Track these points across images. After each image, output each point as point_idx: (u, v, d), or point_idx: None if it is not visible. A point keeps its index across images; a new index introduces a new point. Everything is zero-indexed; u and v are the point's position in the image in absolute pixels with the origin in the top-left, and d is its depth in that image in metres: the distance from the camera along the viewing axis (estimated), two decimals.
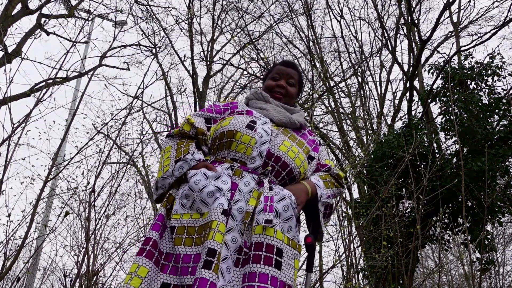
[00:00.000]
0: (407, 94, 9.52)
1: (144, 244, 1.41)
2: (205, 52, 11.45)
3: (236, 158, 1.58)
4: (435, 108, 12.77)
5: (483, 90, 7.83)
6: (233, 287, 1.33)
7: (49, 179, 3.59)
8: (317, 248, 5.11)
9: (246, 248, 1.39)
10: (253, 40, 11.35)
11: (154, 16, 11.23)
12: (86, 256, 3.73)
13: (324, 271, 4.94)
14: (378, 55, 12.85)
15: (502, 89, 7.78)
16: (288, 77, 1.87)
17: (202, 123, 1.71)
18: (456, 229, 6.99)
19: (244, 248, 1.39)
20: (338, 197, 6.45)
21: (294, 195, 1.54)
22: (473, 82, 7.91)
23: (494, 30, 9.86)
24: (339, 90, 12.70)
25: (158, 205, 1.67)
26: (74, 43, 4.14)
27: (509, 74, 8.04)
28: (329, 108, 12.00)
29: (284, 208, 1.46)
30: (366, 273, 6.22)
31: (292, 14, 11.59)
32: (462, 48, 9.55)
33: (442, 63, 8.69)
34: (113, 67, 9.40)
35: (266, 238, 1.39)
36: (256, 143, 1.58)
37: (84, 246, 3.81)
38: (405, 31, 11.17)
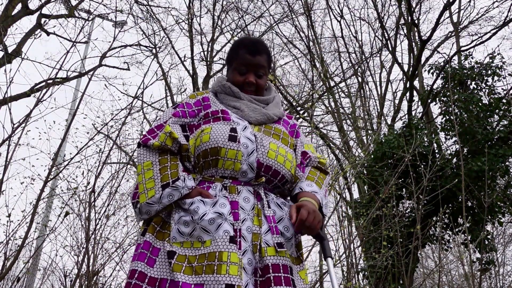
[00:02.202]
0: (407, 94, 9.53)
1: (130, 278, 1.35)
2: (205, 52, 11.47)
3: (225, 176, 1.49)
4: (435, 108, 12.75)
5: (483, 90, 7.84)
6: None
7: (49, 179, 3.59)
8: (317, 248, 5.10)
9: (260, 271, 1.37)
10: None
11: (154, 16, 11.24)
12: (86, 256, 3.72)
13: (324, 271, 4.94)
14: (378, 55, 12.88)
15: (502, 89, 7.80)
16: (256, 69, 1.67)
17: (181, 134, 1.55)
18: (456, 229, 6.99)
19: (258, 270, 1.37)
20: (339, 197, 6.45)
21: (316, 216, 1.44)
22: (473, 82, 7.92)
23: (494, 30, 9.89)
24: (339, 90, 12.72)
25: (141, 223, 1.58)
26: (74, 43, 4.15)
27: (509, 74, 8.05)
28: (329, 108, 12.02)
29: (284, 229, 1.46)
30: (366, 273, 6.22)
31: (292, 14, 11.61)
32: (462, 48, 9.59)
33: (442, 63, 8.71)
34: (113, 67, 9.41)
35: (281, 259, 1.38)
36: (243, 156, 1.48)
37: (84, 246, 3.80)
38: (405, 31, 11.17)
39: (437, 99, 8.29)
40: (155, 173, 1.48)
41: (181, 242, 1.38)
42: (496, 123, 7.54)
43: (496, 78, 7.77)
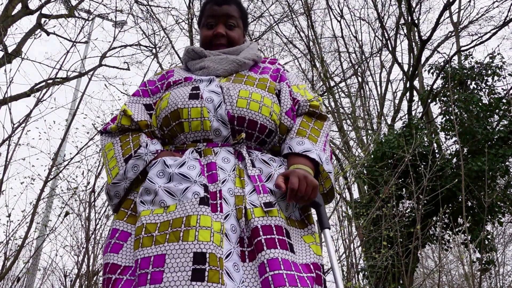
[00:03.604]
0: (407, 94, 9.54)
1: (110, 273, 1.13)
2: None
3: (198, 139, 1.29)
4: (435, 108, 12.78)
5: (483, 90, 7.85)
6: (249, 287, 1.06)
7: (49, 179, 3.59)
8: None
9: (248, 239, 1.12)
10: (253, 40, 11.35)
11: (154, 16, 11.21)
12: (86, 256, 3.72)
13: (324, 271, 4.93)
14: (378, 55, 12.88)
15: (502, 89, 7.81)
16: (225, 19, 1.48)
17: (142, 112, 1.38)
18: (456, 229, 6.99)
19: (245, 239, 1.13)
20: (339, 197, 6.45)
21: (309, 183, 1.19)
22: (473, 82, 7.92)
23: (494, 30, 9.89)
24: (339, 90, 12.72)
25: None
26: (74, 43, 4.14)
27: (509, 74, 8.05)
28: (329, 108, 12.01)
29: (275, 186, 1.22)
30: (366, 273, 6.22)
31: (292, 14, 11.59)
32: (462, 48, 9.59)
33: (442, 63, 8.71)
34: (113, 67, 9.40)
35: (272, 219, 1.13)
36: (209, 112, 1.27)
37: (84, 246, 3.80)
38: (405, 31, 11.17)
39: (437, 99, 8.30)
40: (116, 151, 1.31)
41: (139, 212, 1.16)
42: (496, 123, 7.54)
43: (496, 78, 7.78)
